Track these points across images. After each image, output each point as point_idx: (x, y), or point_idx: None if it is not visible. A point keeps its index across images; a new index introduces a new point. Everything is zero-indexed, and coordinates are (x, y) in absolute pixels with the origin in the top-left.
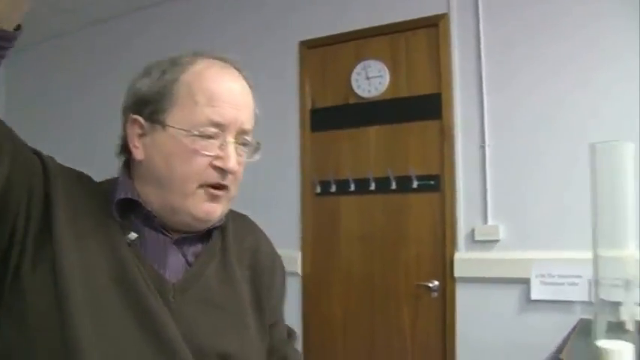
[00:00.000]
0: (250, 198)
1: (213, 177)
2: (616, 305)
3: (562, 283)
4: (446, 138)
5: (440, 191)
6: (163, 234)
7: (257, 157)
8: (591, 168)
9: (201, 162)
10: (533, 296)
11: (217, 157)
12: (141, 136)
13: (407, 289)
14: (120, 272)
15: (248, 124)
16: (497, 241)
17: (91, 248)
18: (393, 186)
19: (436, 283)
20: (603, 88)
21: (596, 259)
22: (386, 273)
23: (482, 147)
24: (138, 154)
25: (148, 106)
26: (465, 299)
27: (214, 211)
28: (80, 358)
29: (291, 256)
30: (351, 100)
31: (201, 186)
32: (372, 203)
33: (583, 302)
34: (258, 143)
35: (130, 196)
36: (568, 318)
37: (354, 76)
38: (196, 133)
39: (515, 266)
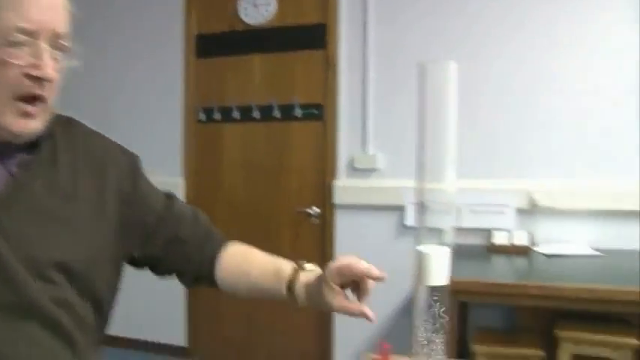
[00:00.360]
0: (130, 124)
1: (29, 87)
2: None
3: (434, 210)
4: (330, 68)
5: (322, 120)
6: None
7: (75, 62)
8: (419, 88)
9: (13, 72)
10: (408, 223)
11: (31, 66)
12: None
13: (288, 215)
14: None
15: (62, 27)
16: (375, 169)
17: None
18: (277, 114)
19: (316, 209)
20: (475, 12)
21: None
22: (268, 200)
23: (364, 78)
24: None
25: None
26: (343, 225)
27: (31, 126)
28: None
29: (174, 183)
30: (238, 27)
31: (14, 98)
32: (255, 131)
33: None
34: (69, 48)
35: None
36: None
37: (241, 3)
38: (3, 41)
39: (391, 194)
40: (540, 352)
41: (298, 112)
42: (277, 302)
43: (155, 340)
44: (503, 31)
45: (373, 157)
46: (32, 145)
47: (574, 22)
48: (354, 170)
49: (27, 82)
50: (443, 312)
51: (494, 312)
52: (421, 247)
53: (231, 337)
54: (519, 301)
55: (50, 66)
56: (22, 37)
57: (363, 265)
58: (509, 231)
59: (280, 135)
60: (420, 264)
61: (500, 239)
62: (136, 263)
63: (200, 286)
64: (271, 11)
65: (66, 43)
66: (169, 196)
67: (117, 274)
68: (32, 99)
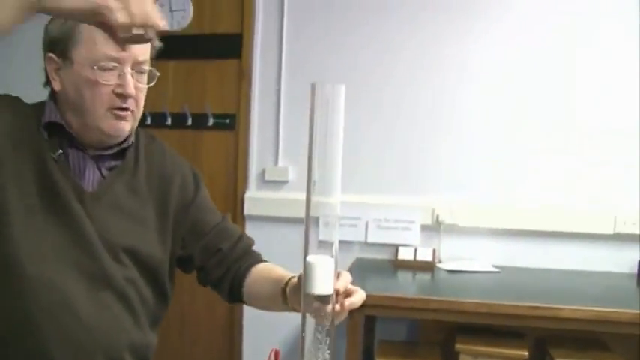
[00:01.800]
0: None
1: (116, 102)
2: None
3: (343, 225)
4: (244, 78)
5: (235, 130)
6: (83, 152)
7: (153, 82)
8: (310, 106)
9: (104, 90)
10: (320, 237)
11: (118, 85)
12: (57, 69)
13: None
14: (46, 182)
15: (142, 57)
16: (286, 182)
17: (23, 160)
18: (189, 122)
19: None
20: (369, 33)
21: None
22: None
23: (278, 90)
24: (56, 85)
25: (59, 45)
26: (254, 237)
27: (121, 128)
28: (16, 256)
29: None
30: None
31: (107, 109)
32: (167, 138)
33: (361, 242)
34: (151, 71)
35: (54, 120)
36: (347, 256)
37: (157, 8)
38: (97, 67)
39: (301, 207)
40: None
41: (211, 121)
42: (186, 312)
43: None
44: (413, 47)
45: (284, 170)
46: (120, 155)
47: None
48: (264, 182)
49: (115, 98)
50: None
51: (399, 325)
52: (309, 257)
53: None
54: (422, 314)
55: (131, 85)
56: (112, 64)
57: (339, 284)
58: (414, 247)
59: (192, 144)
60: (306, 273)
61: (405, 255)
62: (182, 264)
63: (235, 301)
64: (187, 18)
65: (146, 67)
66: (223, 216)
67: (172, 267)
68: (119, 110)
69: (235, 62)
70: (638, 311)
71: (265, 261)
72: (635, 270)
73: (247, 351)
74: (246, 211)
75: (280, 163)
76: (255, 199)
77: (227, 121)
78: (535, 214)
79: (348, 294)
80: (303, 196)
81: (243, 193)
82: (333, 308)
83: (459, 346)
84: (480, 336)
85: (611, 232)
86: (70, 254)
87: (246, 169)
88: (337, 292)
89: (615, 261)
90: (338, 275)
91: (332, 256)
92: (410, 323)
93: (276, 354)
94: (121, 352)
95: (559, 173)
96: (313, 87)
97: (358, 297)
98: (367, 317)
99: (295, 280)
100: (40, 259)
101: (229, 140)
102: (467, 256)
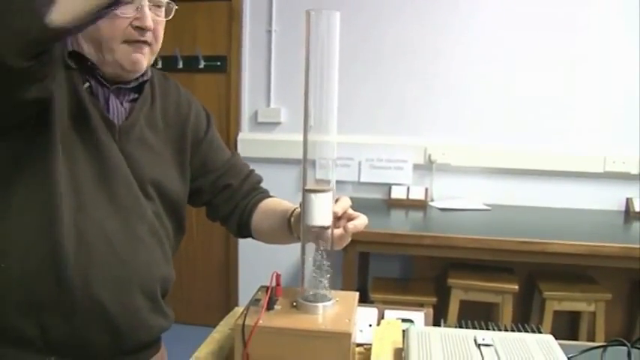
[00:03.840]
0: None
1: (134, 35)
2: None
3: (337, 165)
4: (234, 20)
5: (226, 72)
6: (104, 85)
7: (171, 15)
8: (305, 35)
9: (122, 23)
10: (317, 176)
11: (136, 19)
12: None
13: None
14: (80, 114)
15: None
16: (279, 123)
17: (61, 89)
18: (180, 65)
19: None
20: None
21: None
22: None
23: (269, 31)
24: None
25: None
26: None
27: (138, 60)
28: (55, 187)
29: None
30: None
31: (125, 42)
32: None
33: (354, 182)
34: (168, 3)
35: (76, 49)
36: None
37: None
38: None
39: (295, 148)
40: (433, 299)
41: (202, 64)
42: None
43: None
44: None
45: (277, 111)
46: (137, 88)
47: None
48: (257, 124)
49: (132, 31)
50: (326, 256)
51: (392, 262)
52: (307, 189)
53: None
54: (415, 250)
55: (150, 18)
56: None
57: (337, 207)
58: (407, 186)
59: (183, 86)
60: (305, 205)
61: (398, 194)
62: (191, 199)
63: (244, 236)
64: None
65: (163, 1)
66: (232, 153)
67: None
68: (137, 43)
69: (226, 4)
70: (624, 245)
71: (273, 196)
72: (624, 207)
73: (244, 279)
74: (239, 153)
75: (273, 105)
76: (249, 140)
77: (218, 63)
78: (527, 153)
79: (350, 218)
80: (296, 137)
81: (236, 135)
82: (332, 233)
83: (451, 281)
84: (471, 272)
85: (601, 170)
86: (105, 188)
87: (239, 111)
88: (337, 216)
89: (605, 199)
90: (337, 200)
91: (329, 190)
92: (403, 260)
93: (277, 277)
94: (154, 286)
95: (551, 114)
96: (308, 15)
97: (361, 221)
98: (361, 254)
99: (300, 210)
100: (77, 191)
101: (221, 82)
102: (458, 195)
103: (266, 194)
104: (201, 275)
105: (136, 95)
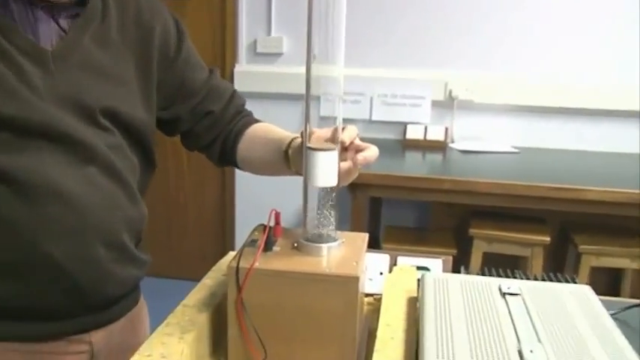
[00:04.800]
0: None
1: None
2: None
3: (344, 101)
4: None
5: None
6: (28, 1)
7: None
8: None
9: None
10: (322, 113)
11: None
12: None
13: None
14: None
15: None
16: (280, 54)
17: None
18: None
19: None
20: None
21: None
22: None
23: None
24: None
25: None
26: None
27: None
28: None
29: None
30: None
31: None
32: None
33: (364, 120)
34: None
35: None
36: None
37: None
38: None
39: (298, 81)
40: (453, 251)
41: None
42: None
43: None
44: None
45: (278, 40)
46: (81, 1)
47: None
48: (256, 54)
49: None
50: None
51: (407, 209)
52: (310, 145)
53: None
54: (433, 196)
55: None
56: None
57: (344, 136)
58: (424, 125)
59: (174, 13)
60: (308, 163)
61: (414, 134)
62: (166, 127)
63: (226, 165)
64: None
65: None
66: (211, 70)
67: (155, 128)
68: None
69: None
70: None
71: (259, 120)
72: None
73: (240, 228)
74: (236, 87)
75: (274, 33)
76: (246, 72)
77: None
78: (560, 89)
79: (358, 149)
80: (300, 70)
81: (233, 66)
82: (339, 170)
83: (472, 231)
84: (496, 221)
85: (637, 108)
86: None
87: (236, 41)
88: (344, 147)
89: None
90: (343, 129)
91: (336, 143)
92: (419, 207)
93: (277, 215)
94: (120, 234)
95: (588, 43)
96: None
97: (371, 152)
98: (372, 200)
99: (299, 140)
100: (4, 142)
101: (215, 8)
102: (482, 136)
103: (252, 118)
104: (194, 224)
105: (80, 10)
